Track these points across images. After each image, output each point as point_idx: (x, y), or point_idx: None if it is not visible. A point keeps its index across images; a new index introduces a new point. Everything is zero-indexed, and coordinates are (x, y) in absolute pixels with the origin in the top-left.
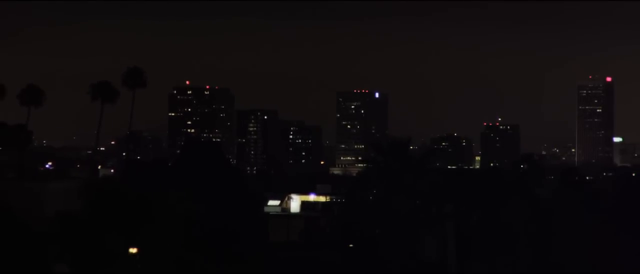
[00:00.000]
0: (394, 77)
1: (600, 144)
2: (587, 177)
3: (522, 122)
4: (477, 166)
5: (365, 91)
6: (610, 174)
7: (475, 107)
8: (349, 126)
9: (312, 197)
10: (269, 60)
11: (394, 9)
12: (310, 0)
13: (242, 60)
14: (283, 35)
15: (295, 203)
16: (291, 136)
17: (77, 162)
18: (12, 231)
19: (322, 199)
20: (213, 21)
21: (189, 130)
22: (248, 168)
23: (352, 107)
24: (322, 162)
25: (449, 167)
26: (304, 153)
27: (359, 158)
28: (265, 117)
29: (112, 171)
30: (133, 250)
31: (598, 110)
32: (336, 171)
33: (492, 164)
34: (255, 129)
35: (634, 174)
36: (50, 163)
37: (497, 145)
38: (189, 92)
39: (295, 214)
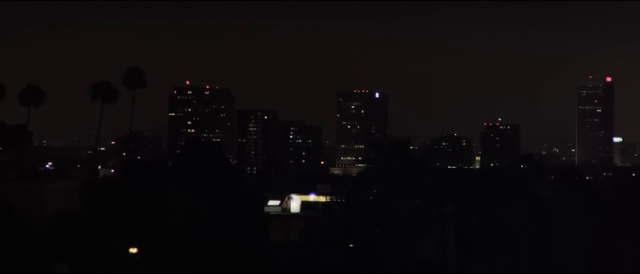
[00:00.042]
0: (394, 77)
1: (600, 144)
2: (587, 177)
3: (522, 122)
4: (477, 166)
5: (365, 91)
6: (610, 174)
7: (475, 107)
8: (349, 126)
9: (312, 198)
10: (269, 60)
11: (394, 9)
12: (310, 0)
13: (242, 60)
14: (283, 35)
15: (295, 203)
16: (291, 136)
17: (77, 162)
18: (12, 231)
19: (322, 199)
20: (213, 21)
21: (189, 130)
22: (248, 168)
23: (352, 107)
24: (322, 163)
25: (449, 167)
26: (304, 153)
27: (359, 158)
28: (266, 117)
29: (112, 171)
30: (133, 250)
31: (598, 110)
32: (336, 171)
33: (492, 164)
34: (255, 129)
35: (634, 174)
36: (50, 163)
37: (497, 145)
38: (189, 92)
39: (295, 214)
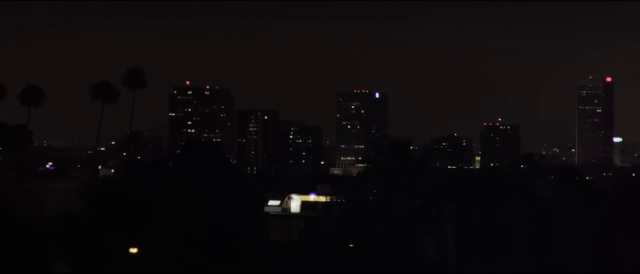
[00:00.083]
0: (394, 77)
1: (600, 144)
2: (587, 177)
3: (522, 122)
4: (477, 166)
5: (365, 91)
6: (610, 174)
7: (475, 107)
8: (349, 126)
9: (312, 198)
10: (269, 60)
11: (394, 9)
12: (310, 0)
13: (242, 60)
14: (283, 35)
15: (295, 203)
16: (291, 136)
17: (77, 162)
18: (12, 231)
19: (322, 199)
20: (213, 21)
21: (189, 130)
22: (248, 168)
23: (352, 107)
24: (322, 163)
25: (449, 167)
26: (304, 153)
27: (359, 158)
28: (266, 117)
29: (112, 171)
30: (133, 250)
31: (598, 110)
32: (336, 171)
33: (492, 164)
34: (255, 129)
35: (634, 174)
36: (50, 163)
37: (497, 145)
38: (189, 92)
39: (295, 214)
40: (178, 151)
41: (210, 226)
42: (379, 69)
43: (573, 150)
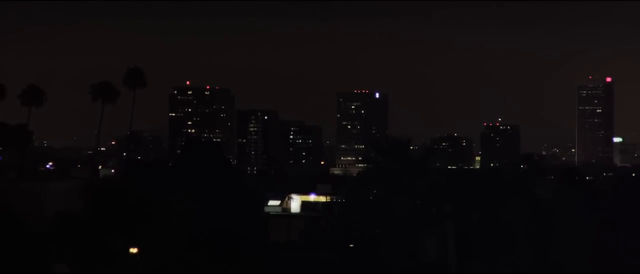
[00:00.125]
0: (394, 77)
1: (600, 144)
2: (587, 178)
3: (522, 122)
4: (477, 166)
5: (365, 91)
6: (610, 174)
7: (475, 107)
8: (349, 126)
9: (312, 198)
10: (269, 60)
11: (394, 9)
12: (310, 0)
13: (242, 60)
14: (283, 35)
15: (295, 203)
16: (291, 136)
17: (77, 162)
18: (12, 231)
19: (322, 199)
20: (213, 21)
21: (189, 130)
22: (248, 168)
23: (353, 107)
24: (322, 163)
25: (449, 167)
26: (304, 153)
27: (359, 158)
28: (266, 117)
29: (112, 171)
30: (133, 250)
31: (598, 110)
32: (336, 171)
33: (492, 164)
34: (255, 129)
35: (634, 174)
36: (50, 163)
37: (497, 145)
38: (190, 92)
39: (295, 214)
40: (178, 151)
41: (211, 226)
42: (379, 69)
43: (573, 150)
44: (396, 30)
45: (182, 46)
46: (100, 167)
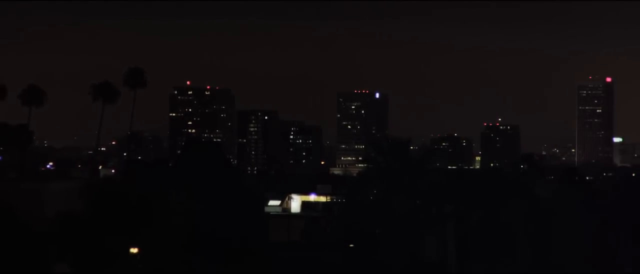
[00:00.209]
0: (394, 77)
1: (600, 144)
2: (587, 178)
3: (522, 122)
4: (477, 166)
5: (365, 91)
6: (610, 174)
7: (475, 107)
8: (349, 126)
9: (312, 198)
10: (269, 60)
11: (394, 9)
12: (310, 0)
13: (242, 60)
14: (283, 35)
15: (295, 203)
16: (291, 136)
17: (78, 162)
18: (12, 231)
19: (322, 199)
20: (213, 21)
21: (189, 130)
22: (249, 168)
23: (353, 107)
24: (322, 163)
25: (449, 167)
26: (304, 153)
27: (359, 158)
28: (266, 117)
29: (113, 171)
30: (134, 250)
31: (598, 110)
32: (336, 171)
33: (492, 164)
34: (255, 129)
35: (634, 174)
36: (51, 163)
37: (497, 145)
38: (190, 92)
39: (295, 214)
40: (178, 151)
41: (211, 226)
42: (379, 69)
43: (573, 150)
44: (396, 30)
45: (182, 46)
46: (100, 167)
